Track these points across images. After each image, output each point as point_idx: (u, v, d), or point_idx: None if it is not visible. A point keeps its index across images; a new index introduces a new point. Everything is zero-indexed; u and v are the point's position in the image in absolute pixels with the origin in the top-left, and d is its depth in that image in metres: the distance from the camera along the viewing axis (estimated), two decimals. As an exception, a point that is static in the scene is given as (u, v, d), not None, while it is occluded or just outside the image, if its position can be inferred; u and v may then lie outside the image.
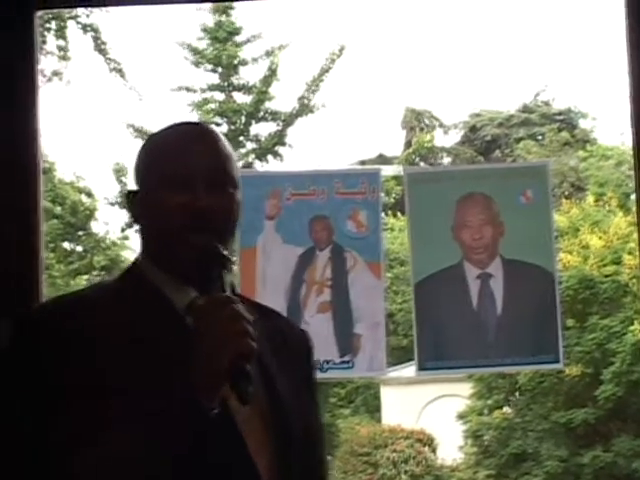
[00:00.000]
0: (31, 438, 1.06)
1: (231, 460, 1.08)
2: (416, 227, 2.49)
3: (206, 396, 1.04)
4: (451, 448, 11.93)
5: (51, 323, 1.12)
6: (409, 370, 11.81)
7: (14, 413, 1.08)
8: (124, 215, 11.92)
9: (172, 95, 13.11)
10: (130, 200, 1.24)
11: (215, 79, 12.36)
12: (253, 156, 11.98)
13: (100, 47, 11.02)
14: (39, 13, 1.93)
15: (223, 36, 12.14)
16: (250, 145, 12.16)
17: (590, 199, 12.53)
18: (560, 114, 20.23)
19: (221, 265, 1.14)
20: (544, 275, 2.48)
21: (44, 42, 10.15)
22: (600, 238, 10.96)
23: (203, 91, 12.36)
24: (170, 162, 1.18)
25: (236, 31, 12.26)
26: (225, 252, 1.15)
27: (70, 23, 10.66)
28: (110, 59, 11.11)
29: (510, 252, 2.49)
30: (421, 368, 2.44)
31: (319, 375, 2.40)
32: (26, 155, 1.82)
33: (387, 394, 13.76)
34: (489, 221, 2.49)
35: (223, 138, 1.24)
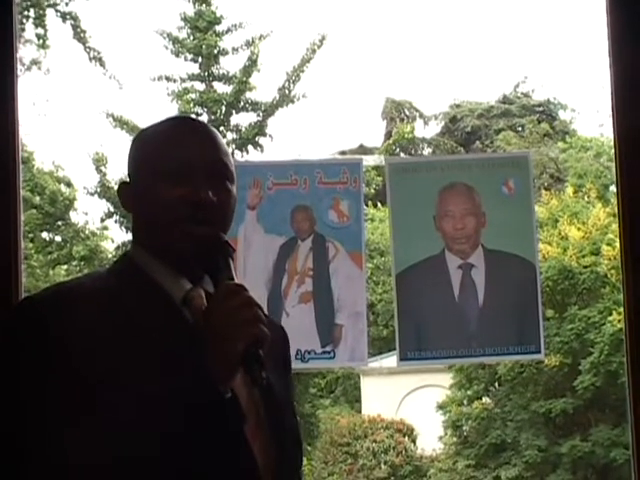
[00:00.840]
0: (30, 426, 1.05)
1: (231, 443, 1.10)
2: (397, 217, 2.48)
3: (221, 381, 1.06)
4: (431, 438, 11.99)
5: (50, 311, 1.11)
6: (389, 360, 11.85)
7: (15, 398, 1.07)
8: (103, 205, 11.81)
9: (152, 85, 12.98)
10: (123, 191, 1.23)
11: (195, 69, 12.28)
12: (233, 146, 11.89)
13: (79, 35, 10.87)
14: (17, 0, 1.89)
15: (203, 25, 12.04)
16: (230, 135, 12.08)
17: (569, 190, 12.61)
18: (540, 105, 20.32)
19: (226, 253, 1.15)
20: (526, 265, 2.49)
21: (22, 30, 10.00)
22: (579, 229, 11.04)
23: (183, 81, 12.26)
24: (170, 154, 1.18)
25: (216, 20, 12.15)
26: (228, 240, 1.17)
27: (49, 11, 10.52)
28: (90, 48, 10.97)
29: (492, 242, 2.49)
30: (402, 358, 2.43)
31: (301, 365, 2.40)
32: (5, 145, 1.79)
33: (367, 384, 13.80)
34: (471, 211, 2.48)
35: (217, 132, 1.25)
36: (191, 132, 1.21)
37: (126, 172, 1.26)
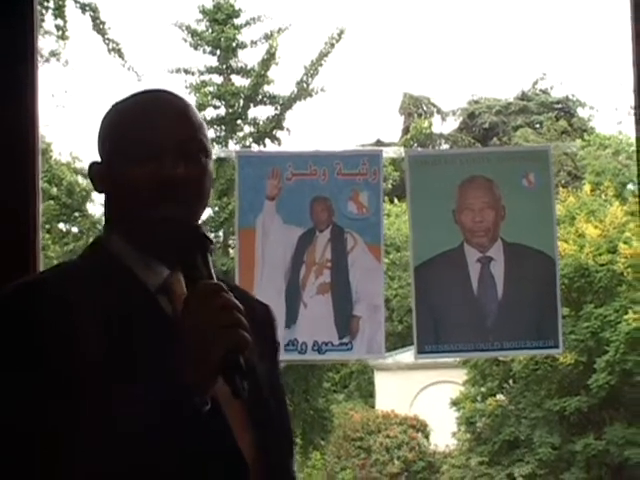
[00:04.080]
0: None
1: (218, 449, 1.04)
2: (416, 210, 2.47)
3: (199, 391, 0.99)
4: (444, 434, 11.96)
5: (17, 306, 1.05)
6: (404, 356, 11.84)
7: None
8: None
9: (170, 77, 12.99)
10: (94, 172, 1.16)
11: (213, 62, 12.27)
12: (251, 140, 11.89)
13: (99, 27, 10.85)
14: (38, -10, 1.89)
15: (222, 18, 12.02)
16: (248, 129, 12.08)
17: (587, 188, 12.51)
18: (558, 102, 20.18)
19: (205, 248, 1.07)
20: (545, 260, 2.47)
21: (42, 21, 10.02)
22: (596, 227, 10.96)
23: (201, 73, 12.25)
24: (136, 130, 1.11)
25: (235, 13, 12.13)
26: (206, 233, 1.09)
27: (69, 2, 10.51)
28: (109, 39, 10.95)
29: (511, 236, 2.47)
30: (420, 351, 2.42)
31: (318, 357, 2.39)
32: (25, 136, 1.79)
33: (381, 380, 13.78)
34: (491, 204, 2.47)
35: (192, 105, 1.18)
36: (160, 105, 1.14)
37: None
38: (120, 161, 1.11)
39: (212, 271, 1.05)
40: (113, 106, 1.18)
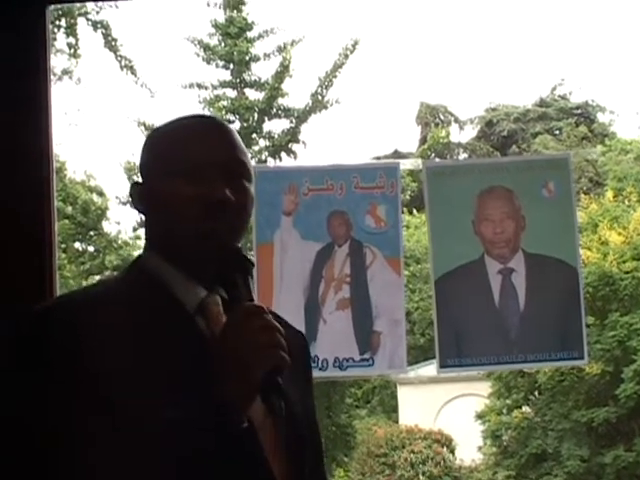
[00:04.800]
0: (41, 436, 1.02)
1: (251, 468, 1.05)
2: (436, 222, 2.44)
3: (237, 410, 1.01)
4: (470, 449, 11.84)
5: (59, 320, 1.07)
6: (427, 369, 11.74)
7: (22, 406, 1.04)
8: (136, 214, 11.89)
9: (183, 92, 13.09)
10: (136, 192, 1.19)
11: (227, 76, 12.33)
12: (266, 153, 11.92)
13: (111, 44, 10.92)
14: (51, 8, 1.89)
15: (234, 32, 12.07)
16: (263, 142, 12.11)
17: (609, 194, 12.39)
18: (578, 108, 20.07)
19: (246, 270, 1.10)
20: (567, 269, 2.43)
21: (54, 40, 10.11)
22: (619, 234, 10.84)
23: (215, 88, 12.31)
24: (185, 152, 1.13)
25: (248, 27, 12.18)
26: (248, 256, 1.11)
27: (80, 20, 10.58)
28: (121, 56, 11.01)
29: (532, 246, 2.44)
30: (442, 366, 2.38)
31: (339, 373, 2.36)
32: (39, 155, 1.79)
33: (404, 394, 13.68)
34: (511, 215, 2.44)
35: (235, 131, 1.21)
36: (208, 130, 1.16)
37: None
38: (164, 181, 1.13)
39: (252, 292, 1.09)
40: (157, 128, 1.23)
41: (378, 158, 18.38)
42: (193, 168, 1.12)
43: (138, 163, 1.22)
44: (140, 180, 1.20)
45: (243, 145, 1.19)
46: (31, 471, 1.02)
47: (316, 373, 2.33)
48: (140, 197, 1.18)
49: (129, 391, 1.00)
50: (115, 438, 0.98)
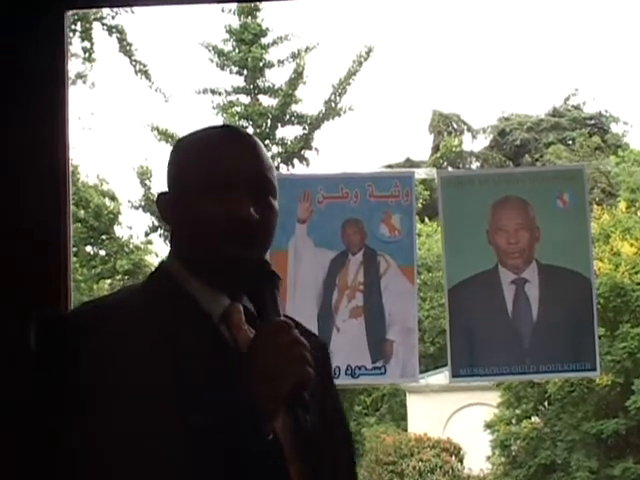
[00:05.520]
0: (59, 441, 1.03)
1: (272, 476, 1.06)
2: (449, 231, 2.45)
3: (264, 422, 1.03)
4: (478, 458, 11.77)
5: (85, 327, 1.08)
6: (436, 378, 11.70)
7: (44, 412, 1.05)
8: (148, 219, 11.90)
9: (197, 97, 13.12)
10: (161, 202, 1.19)
11: (240, 82, 12.36)
12: (279, 160, 11.94)
13: (125, 49, 10.95)
14: (69, 13, 1.91)
15: (249, 38, 12.09)
16: (276, 149, 12.12)
17: (622, 205, 12.34)
18: (591, 118, 19.99)
19: (273, 284, 1.11)
20: (581, 281, 2.43)
21: (69, 44, 10.16)
22: (632, 245, 10.78)
23: (228, 94, 12.35)
24: (212, 165, 1.13)
25: (262, 33, 12.21)
26: (274, 270, 1.12)
27: (95, 25, 10.62)
28: (135, 61, 11.03)
29: (546, 257, 2.44)
30: (455, 375, 2.39)
31: (351, 381, 2.37)
32: (55, 158, 1.80)
33: (413, 402, 13.64)
34: (525, 225, 2.44)
35: (262, 146, 1.20)
36: (234, 143, 1.16)
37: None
38: (189, 195, 1.13)
39: (279, 306, 1.09)
40: (184, 137, 1.21)
41: (390, 166, 18.38)
42: (219, 183, 1.11)
43: (167, 173, 1.20)
44: (167, 190, 1.19)
45: (269, 159, 1.18)
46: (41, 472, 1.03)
47: (328, 380, 2.34)
48: (165, 209, 1.18)
49: (155, 399, 1.01)
50: (139, 444, 0.99)
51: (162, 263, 1.20)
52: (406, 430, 13.53)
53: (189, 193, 1.13)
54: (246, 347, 1.08)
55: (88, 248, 11.97)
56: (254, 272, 1.11)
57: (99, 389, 1.03)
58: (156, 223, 11.60)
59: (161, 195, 1.19)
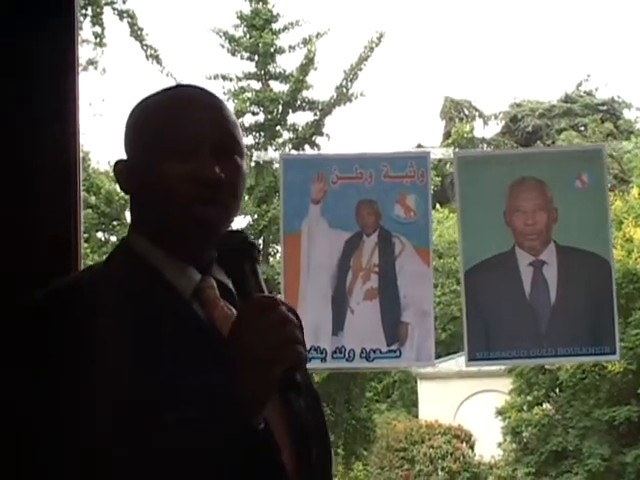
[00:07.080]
0: (41, 419, 0.95)
1: (265, 467, 0.99)
2: (466, 213, 2.41)
3: (254, 410, 0.93)
4: (489, 445, 11.76)
5: (48, 309, 0.99)
6: (448, 364, 11.68)
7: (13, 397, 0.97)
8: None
9: (208, 83, 13.04)
10: (119, 169, 1.10)
11: (252, 67, 12.31)
12: (290, 146, 11.90)
13: (136, 34, 10.90)
14: (81, -4, 1.88)
15: (260, 24, 12.04)
16: (287, 135, 12.09)
17: (634, 191, 12.23)
18: (603, 104, 19.82)
19: (253, 258, 1.02)
20: (600, 263, 2.39)
21: (80, 29, 10.12)
22: (645, 231, 10.70)
23: (239, 79, 12.29)
24: (170, 126, 1.04)
25: (273, 19, 12.15)
26: (254, 242, 1.04)
27: (106, 9, 10.56)
28: (146, 46, 10.99)
29: (564, 239, 2.40)
30: (471, 359, 2.35)
31: (366, 364, 2.33)
32: (66, 145, 1.78)
33: (424, 389, 13.63)
34: (543, 206, 2.39)
35: (225, 103, 1.12)
36: (195, 102, 1.08)
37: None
38: (151, 158, 1.05)
39: (261, 281, 1.01)
40: (143, 100, 1.13)
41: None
42: (180, 145, 1.04)
43: (123, 139, 1.12)
44: (125, 157, 1.11)
45: (234, 117, 1.11)
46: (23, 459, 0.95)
47: (343, 364, 2.30)
48: (124, 176, 1.09)
49: (125, 380, 0.93)
50: (117, 435, 0.91)
51: (123, 239, 1.11)
52: (417, 417, 13.53)
53: (148, 157, 1.05)
54: (225, 327, 0.98)
55: (99, 234, 11.99)
56: (234, 246, 1.03)
57: (66, 377, 0.95)
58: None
59: (119, 162, 1.11)
